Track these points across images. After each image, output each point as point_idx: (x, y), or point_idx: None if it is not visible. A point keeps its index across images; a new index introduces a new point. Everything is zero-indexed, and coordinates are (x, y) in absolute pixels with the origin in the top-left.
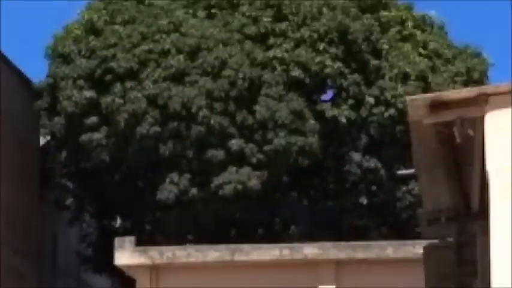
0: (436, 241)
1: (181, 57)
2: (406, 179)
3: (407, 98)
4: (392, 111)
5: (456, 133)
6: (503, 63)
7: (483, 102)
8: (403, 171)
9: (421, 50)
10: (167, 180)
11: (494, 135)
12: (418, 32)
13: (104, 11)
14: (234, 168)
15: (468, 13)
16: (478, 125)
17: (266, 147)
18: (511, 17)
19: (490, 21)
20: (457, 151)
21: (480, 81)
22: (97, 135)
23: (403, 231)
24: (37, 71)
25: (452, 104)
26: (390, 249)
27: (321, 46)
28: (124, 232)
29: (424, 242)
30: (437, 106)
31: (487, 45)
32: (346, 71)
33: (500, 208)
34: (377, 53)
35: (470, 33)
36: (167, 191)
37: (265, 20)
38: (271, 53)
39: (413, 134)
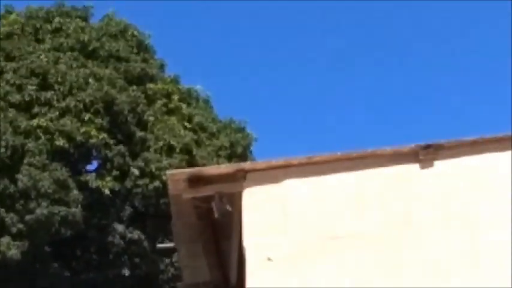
0: None
1: None
2: (169, 251)
3: (168, 172)
4: (157, 183)
5: (214, 208)
6: (266, 138)
7: (241, 178)
8: (162, 245)
9: (186, 124)
10: None
11: (251, 211)
12: (184, 106)
13: None
14: None
15: (233, 88)
16: (236, 200)
17: (27, 217)
18: (278, 93)
19: (254, 96)
20: (215, 226)
21: (244, 156)
22: None
23: None
24: None
25: (211, 179)
26: None
27: (87, 116)
28: None
29: None
30: (196, 181)
31: (250, 120)
32: (111, 141)
33: (256, 282)
34: (143, 125)
35: (235, 108)
36: None
37: (30, 88)
38: (35, 122)
39: (173, 208)
